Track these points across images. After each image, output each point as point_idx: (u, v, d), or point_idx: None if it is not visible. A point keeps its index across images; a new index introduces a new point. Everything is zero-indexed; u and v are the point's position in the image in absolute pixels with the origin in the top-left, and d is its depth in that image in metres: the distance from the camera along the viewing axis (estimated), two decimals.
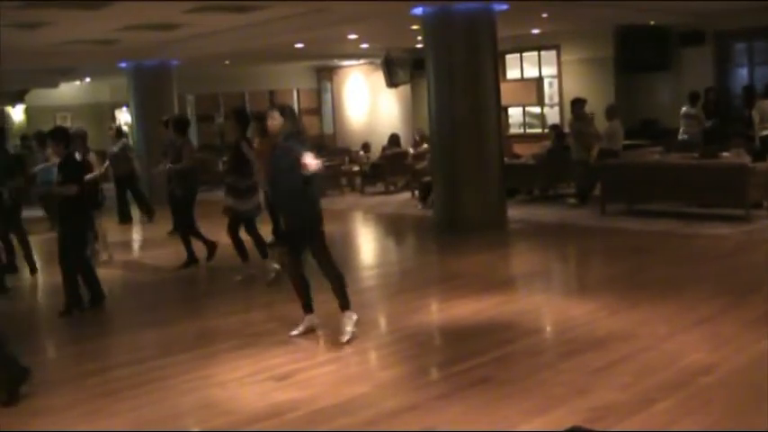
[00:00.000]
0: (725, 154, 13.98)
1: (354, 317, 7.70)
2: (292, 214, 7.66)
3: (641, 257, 10.94)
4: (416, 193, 17.44)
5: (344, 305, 7.74)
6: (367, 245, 13.83)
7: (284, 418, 5.78)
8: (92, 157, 12.20)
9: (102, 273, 10.90)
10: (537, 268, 11.11)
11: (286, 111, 7.65)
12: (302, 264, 7.88)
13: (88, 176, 10.94)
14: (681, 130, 17.19)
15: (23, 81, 22.81)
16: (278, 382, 6.55)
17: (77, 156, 11.97)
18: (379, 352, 7.53)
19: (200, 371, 6.93)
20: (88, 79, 25.49)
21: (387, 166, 19.84)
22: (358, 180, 20.77)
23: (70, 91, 25.75)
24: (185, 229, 11.86)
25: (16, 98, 24.97)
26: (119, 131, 17.26)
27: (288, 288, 10.46)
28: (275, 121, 7.50)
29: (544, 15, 16.73)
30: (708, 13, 17.43)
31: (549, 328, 8.05)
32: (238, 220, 10.68)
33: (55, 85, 24.24)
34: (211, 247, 11.80)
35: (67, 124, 23.30)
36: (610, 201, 14.33)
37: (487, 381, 6.27)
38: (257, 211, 10.78)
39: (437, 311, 8.88)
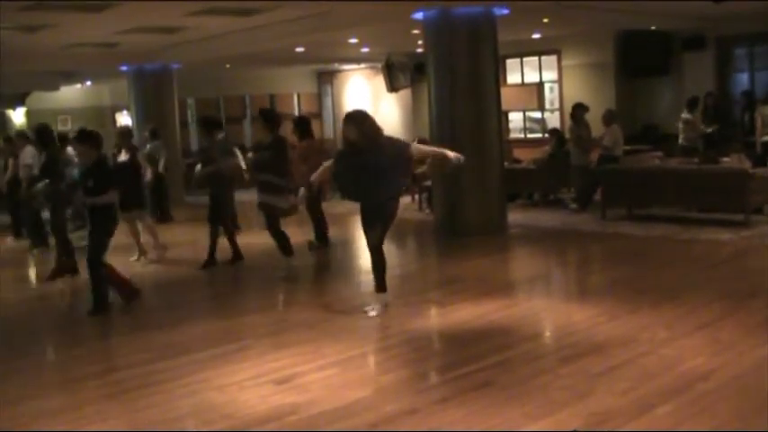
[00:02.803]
0: (725, 159, 13.99)
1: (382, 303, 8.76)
2: (376, 205, 8.67)
3: (641, 262, 10.95)
4: (416, 197, 17.45)
5: (381, 287, 8.88)
6: (367, 249, 13.78)
7: (284, 422, 5.77)
8: (140, 156, 12.52)
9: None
10: (537, 273, 11.12)
11: (357, 118, 8.53)
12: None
13: (146, 179, 11.12)
14: (680, 136, 17.22)
15: (24, 84, 22.83)
16: (278, 385, 6.55)
17: (124, 155, 12.10)
18: (379, 356, 7.54)
19: (199, 374, 6.93)
20: (89, 82, 25.51)
21: None
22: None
23: (71, 94, 25.75)
24: (217, 227, 11.92)
25: (17, 101, 24.96)
26: (154, 133, 17.34)
27: (294, 290, 10.56)
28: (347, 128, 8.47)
29: (545, 20, 16.74)
30: (709, 18, 17.44)
31: (549, 333, 8.05)
32: (276, 216, 10.86)
33: (56, 88, 24.25)
34: (212, 259, 11.86)
35: (68, 127, 23.34)
36: (610, 206, 14.34)
37: (488, 385, 6.27)
38: (293, 211, 11.13)
39: (438, 315, 8.87)
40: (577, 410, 5.63)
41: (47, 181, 11.63)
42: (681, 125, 17.17)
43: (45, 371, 7.65)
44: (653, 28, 19.18)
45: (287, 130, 12.58)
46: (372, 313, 8.62)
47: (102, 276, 9.38)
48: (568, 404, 5.76)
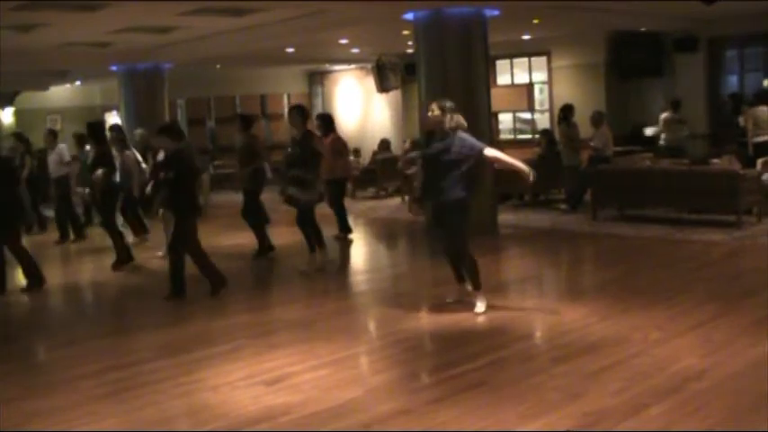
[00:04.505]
0: (715, 161, 14.03)
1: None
2: (441, 199, 8.45)
3: (633, 263, 10.97)
4: (406, 198, 17.44)
5: (477, 285, 8.61)
6: (359, 249, 13.81)
7: (276, 423, 5.76)
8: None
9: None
10: (529, 273, 11.12)
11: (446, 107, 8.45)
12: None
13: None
14: (663, 137, 17.33)
15: (14, 83, 22.77)
16: (270, 386, 6.54)
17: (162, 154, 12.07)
18: (371, 356, 7.53)
19: (193, 374, 6.91)
20: (78, 82, 25.44)
21: (378, 171, 19.88)
22: (349, 184, 20.75)
23: (60, 94, 25.68)
24: (254, 221, 12.38)
25: (6, 101, 24.90)
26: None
27: (288, 289, 10.55)
28: (434, 113, 8.42)
29: (535, 21, 16.76)
30: (700, 19, 17.48)
31: (541, 333, 8.04)
32: (310, 210, 11.19)
33: (45, 87, 24.19)
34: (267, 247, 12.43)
35: (58, 127, 23.26)
36: (601, 206, 14.36)
37: (481, 385, 6.27)
38: (318, 202, 11.30)
39: (429, 316, 8.83)
40: (571, 411, 5.63)
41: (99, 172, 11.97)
42: (664, 125, 17.27)
43: (40, 371, 7.62)
44: (643, 29, 19.21)
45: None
46: (480, 310, 8.48)
47: (180, 263, 9.75)
48: (562, 404, 5.76)
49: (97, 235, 13.24)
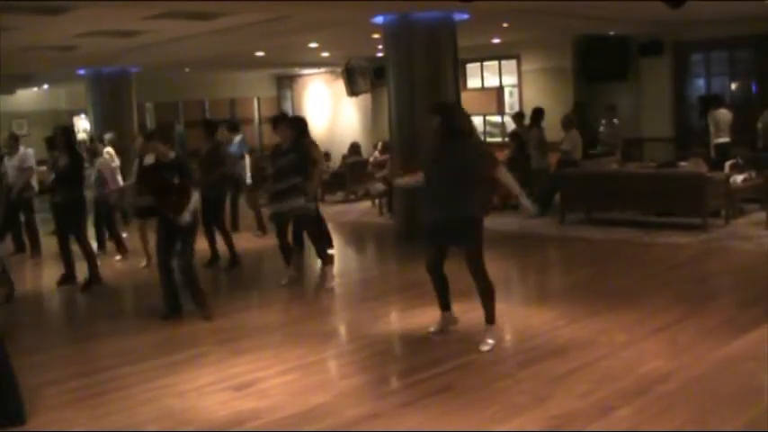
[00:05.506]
0: (682, 163, 14.13)
1: (494, 334, 7.50)
2: (449, 212, 7.38)
3: (600, 266, 11.03)
4: (377, 201, 17.44)
5: (489, 318, 7.57)
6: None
7: (245, 428, 5.75)
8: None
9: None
10: (497, 277, 10.97)
11: (442, 109, 7.64)
12: (443, 263, 7.69)
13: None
14: (603, 142, 17.52)
15: None
16: (238, 391, 6.52)
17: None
18: (339, 361, 7.53)
19: (160, 380, 6.88)
20: (45, 86, 25.25)
21: (348, 175, 19.87)
22: (318, 189, 20.72)
23: (27, 97, 25.47)
24: (210, 227, 12.05)
25: None
26: (234, 126, 16.04)
27: (254, 295, 10.51)
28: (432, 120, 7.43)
29: (504, 25, 16.81)
30: (666, 23, 17.60)
31: (509, 337, 8.04)
32: (312, 219, 10.76)
33: (11, 91, 23.97)
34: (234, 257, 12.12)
35: (23, 131, 23.02)
36: (569, 210, 14.42)
37: (449, 389, 6.29)
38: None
39: (398, 320, 8.86)
40: (538, 414, 5.66)
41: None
42: (605, 130, 17.47)
43: None
44: (611, 33, 19.32)
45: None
46: (485, 348, 7.33)
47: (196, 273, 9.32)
48: (529, 408, 5.79)
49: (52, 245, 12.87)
